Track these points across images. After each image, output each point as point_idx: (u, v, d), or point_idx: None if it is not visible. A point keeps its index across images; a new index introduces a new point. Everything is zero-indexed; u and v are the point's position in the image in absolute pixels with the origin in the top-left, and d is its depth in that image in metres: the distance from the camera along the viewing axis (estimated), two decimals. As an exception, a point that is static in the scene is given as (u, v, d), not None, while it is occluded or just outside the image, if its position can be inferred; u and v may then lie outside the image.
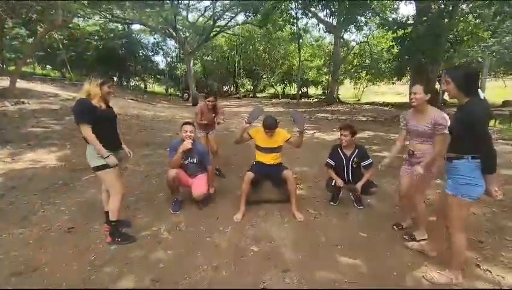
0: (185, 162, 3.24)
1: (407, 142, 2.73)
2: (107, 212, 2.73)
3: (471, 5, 7.34)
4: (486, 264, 2.35)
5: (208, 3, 21.19)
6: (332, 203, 3.50)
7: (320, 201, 3.59)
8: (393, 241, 2.71)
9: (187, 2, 20.88)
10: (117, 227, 2.61)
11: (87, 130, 2.34)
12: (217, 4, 20.23)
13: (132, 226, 2.87)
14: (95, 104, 2.37)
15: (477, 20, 7.57)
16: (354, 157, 3.26)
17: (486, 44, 7.91)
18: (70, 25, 19.91)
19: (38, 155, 5.16)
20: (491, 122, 8.97)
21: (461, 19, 7.62)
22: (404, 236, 2.74)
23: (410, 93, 2.62)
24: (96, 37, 23.89)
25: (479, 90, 1.90)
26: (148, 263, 2.34)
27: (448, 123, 2.37)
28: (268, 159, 3.37)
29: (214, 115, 4.43)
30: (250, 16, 19.08)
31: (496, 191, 1.89)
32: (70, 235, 2.72)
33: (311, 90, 29.81)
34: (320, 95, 27.23)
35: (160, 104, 16.66)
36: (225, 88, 33.95)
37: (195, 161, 3.28)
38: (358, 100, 23.01)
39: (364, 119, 11.33)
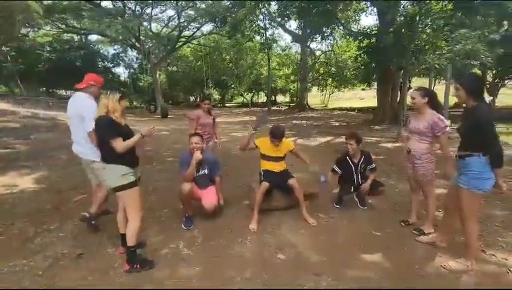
0: (197, 174, 3.18)
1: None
2: (123, 235, 2.57)
3: (428, 20, 8.24)
4: (490, 250, 2.62)
5: (172, 13, 20.82)
6: (338, 206, 3.64)
7: (325, 205, 3.72)
8: (404, 236, 2.91)
9: (149, 11, 20.46)
10: (135, 253, 2.42)
11: (120, 143, 2.21)
12: (182, 14, 20.11)
13: (147, 246, 2.74)
14: (115, 119, 2.27)
15: (435, 32, 8.49)
16: (361, 164, 3.47)
17: (440, 52, 8.82)
18: (19, 36, 18.41)
19: (11, 179, 4.69)
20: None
21: (420, 29, 8.47)
22: (414, 231, 2.95)
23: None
24: (48, 49, 22.36)
25: (484, 95, 2.17)
26: (181, 281, 2.25)
27: (446, 123, 2.68)
28: (275, 166, 3.44)
29: (212, 119, 4.34)
30: (217, 27, 19.22)
31: (504, 183, 2.15)
32: (83, 261, 2.51)
33: (279, 98, 30.58)
34: (288, 102, 28.00)
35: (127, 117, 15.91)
36: (192, 99, 33.48)
37: (206, 172, 3.24)
38: (326, 106, 24.11)
39: (337, 124, 11.90)
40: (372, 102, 18.86)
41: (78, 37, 24.18)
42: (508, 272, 2.33)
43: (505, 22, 8.71)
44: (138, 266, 2.39)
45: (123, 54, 27.84)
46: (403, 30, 8.91)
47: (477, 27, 7.88)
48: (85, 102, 2.79)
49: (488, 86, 16.21)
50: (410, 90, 2.91)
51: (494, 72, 15.94)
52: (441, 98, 3.60)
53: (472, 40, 8.06)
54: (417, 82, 16.91)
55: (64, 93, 26.52)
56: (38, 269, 2.37)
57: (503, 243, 2.73)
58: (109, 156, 2.27)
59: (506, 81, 16.74)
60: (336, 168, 3.57)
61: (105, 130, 2.21)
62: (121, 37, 20.21)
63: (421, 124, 2.75)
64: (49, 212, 3.51)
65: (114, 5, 19.12)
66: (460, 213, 2.34)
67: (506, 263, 2.43)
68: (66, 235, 2.97)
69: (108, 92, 2.31)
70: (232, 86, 29.76)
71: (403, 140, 3.03)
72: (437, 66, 8.55)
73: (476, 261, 2.42)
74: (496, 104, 15.61)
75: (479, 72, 10.18)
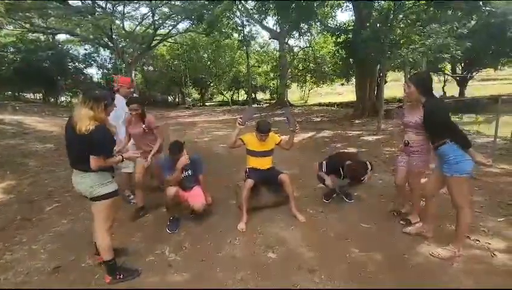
0: (181, 177, 3.05)
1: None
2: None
3: (401, 15, 8.49)
4: (473, 235, 2.69)
5: (145, 11, 20.21)
6: (325, 200, 3.63)
7: (313, 200, 3.70)
8: (392, 227, 2.93)
9: (121, 9, 19.68)
10: (115, 264, 2.25)
11: (99, 163, 1.99)
12: (156, 12, 19.52)
13: (131, 254, 2.59)
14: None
15: (409, 27, 8.75)
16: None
17: (413, 46, 9.08)
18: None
19: (-25, 189, 4.31)
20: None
21: (395, 24, 8.70)
22: (401, 221, 2.98)
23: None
24: (12, 50, 20.98)
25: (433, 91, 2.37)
26: (169, 288, 2.13)
27: None
28: (262, 163, 3.37)
29: (143, 127, 3.23)
30: (193, 24, 18.82)
31: (485, 159, 2.26)
32: (60, 275, 2.33)
33: (260, 96, 30.53)
34: (268, 99, 28.00)
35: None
36: (170, 99, 32.68)
37: (190, 173, 3.12)
38: (306, 102, 24.35)
39: (318, 119, 12.02)
40: (350, 97, 19.28)
41: (45, 36, 22.86)
42: (492, 256, 2.40)
43: (474, 16, 9.10)
44: (121, 276, 2.23)
45: (95, 54, 26.58)
46: (378, 25, 9.11)
47: (447, 21, 8.18)
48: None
49: (458, 78, 16.99)
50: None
51: (463, 65, 16.76)
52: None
53: (442, 35, 8.37)
54: (392, 76, 17.46)
55: (32, 97, 25.03)
56: (10, 286, 2.17)
57: (485, 228, 2.82)
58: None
59: (474, 74, 17.62)
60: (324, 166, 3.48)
61: (97, 143, 1.96)
62: (91, 36, 19.33)
63: (416, 116, 2.64)
64: (20, 224, 3.24)
65: (83, 3, 18.23)
66: (453, 202, 2.35)
67: (489, 247, 2.50)
68: (40, 248, 2.75)
69: (91, 101, 1.98)
70: (212, 84, 29.36)
71: (394, 135, 3.02)
72: (411, 60, 8.80)
73: (462, 247, 2.49)
74: (466, 96, 16.43)
75: (449, 65, 10.62)
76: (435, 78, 18.96)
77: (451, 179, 2.27)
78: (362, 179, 3.19)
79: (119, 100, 3.27)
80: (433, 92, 2.40)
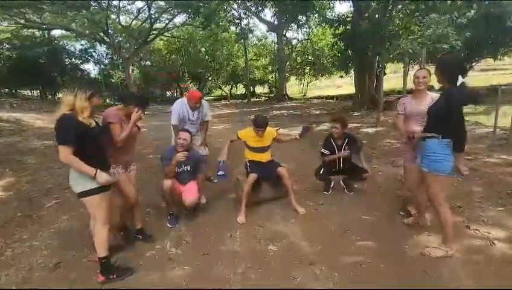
0: (178, 170, 3.04)
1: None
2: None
3: (399, 6, 8.38)
4: (473, 225, 2.70)
5: (141, 4, 19.95)
6: (325, 192, 3.64)
7: (313, 192, 3.70)
8: (392, 219, 2.93)
9: (117, 3, 19.39)
10: (109, 263, 2.21)
11: (66, 154, 1.92)
12: (152, 5, 19.26)
13: (132, 249, 2.59)
14: (83, 120, 2.00)
15: (408, 17, 8.67)
16: (344, 146, 3.44)
17: (412, 37, 8.99)
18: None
19: (-26, 187, 4.30)
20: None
21: (394, 15, 8.61)
22: (401, 213, 2.99)
23: (414, 78, 2.69)
24: (7, 46, 20.76)
25: (460, 77, 2.05)
26: (170, 283, 2.14)
27: None
28: (261, 156, 3.37)
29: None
30: (190, 18, 18.59)
31: (464, 169, 2.16)
32: (61, 271, 2.33)
33: (258, 89, 30.37)
34: (267, 93, 27.85)
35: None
36: (169, 94, 32.46)
37: (189, 169, 3.11)
38: (304, 95, 24.22)
39: (317, 112, 11.99)
40: (349, 89, 19.17)
41: (40, 32, 22.59)
42: (491, 245, 2.40)
43: (473, 6, 9.01)
44: (114, 276, 2.19)
45: (91, 50, 26.29)
46: (377, 16, 9.01)
47: (446, 11, 8.09)
48: (175, 103, 3.74)
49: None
50: (417, 70, 2.77)
51: (462, 55, 16.65)
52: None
53: (442, 25, 8.29)
54: (391, 68, 17.34)
55: (30, 94, 24.83)
56: (11, 283, 2.17)
57: (485, 217, 2.83)
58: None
59: (473, 64, 17.49)
60: (324, 151, 3.53)
61: (60, 132, 1.93)
62: (87, 31, 19.11)
63: (424, 106, 2.51)
64: (20, 221, 3.24)
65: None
66: (428, 197, 2.31)
67: (489, 236, 2.51)
68: (40, 244, 2.75)
69: (76, 89, 2.01)
70: (210, 78, 29.14)
71: (396, 127, 2.89)
72: (410, 51, 8.73)
73: (461, 237, 2.50)
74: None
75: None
76: (433, 68, 18.83)
77: (429, 176, 2.22)
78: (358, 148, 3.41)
79: (184, 105, 3.65)
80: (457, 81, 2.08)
